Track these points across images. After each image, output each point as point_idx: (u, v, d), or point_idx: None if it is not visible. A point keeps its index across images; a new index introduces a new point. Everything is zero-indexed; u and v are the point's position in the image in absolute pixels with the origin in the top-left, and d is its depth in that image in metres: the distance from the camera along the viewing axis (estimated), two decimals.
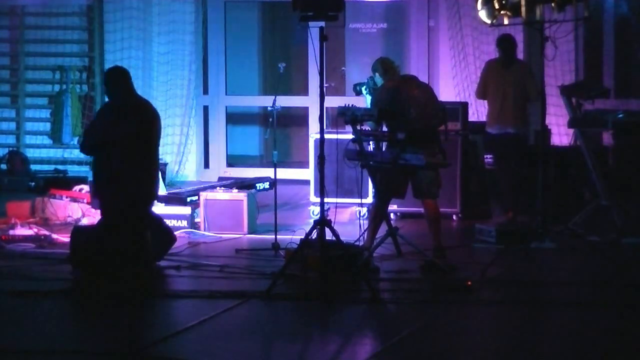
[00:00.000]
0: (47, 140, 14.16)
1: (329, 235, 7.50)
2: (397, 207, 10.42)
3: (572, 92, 10.18)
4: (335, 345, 6.31)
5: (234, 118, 14.82)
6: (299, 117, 14.18)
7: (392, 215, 10.09)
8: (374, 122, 8.53)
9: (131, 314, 7.02)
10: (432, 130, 8.50)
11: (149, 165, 8.24)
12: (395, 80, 8.67)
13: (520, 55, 12.76)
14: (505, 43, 10.65)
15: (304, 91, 13.88)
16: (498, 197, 10.78)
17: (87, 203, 10.30)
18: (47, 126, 14.08)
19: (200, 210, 10.01)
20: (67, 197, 10.51)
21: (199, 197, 10.10)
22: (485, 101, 10.83)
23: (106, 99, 8.53)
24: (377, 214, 8.61)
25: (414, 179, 8.48)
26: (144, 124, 8.18)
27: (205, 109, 14.19)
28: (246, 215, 9.88)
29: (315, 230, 7.56)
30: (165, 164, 13.01)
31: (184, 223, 9.87)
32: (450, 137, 9.69)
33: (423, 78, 13.29)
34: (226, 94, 14.19)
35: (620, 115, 9.71)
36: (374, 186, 9.17)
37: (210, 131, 14.19)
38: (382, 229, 8.67)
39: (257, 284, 7.62)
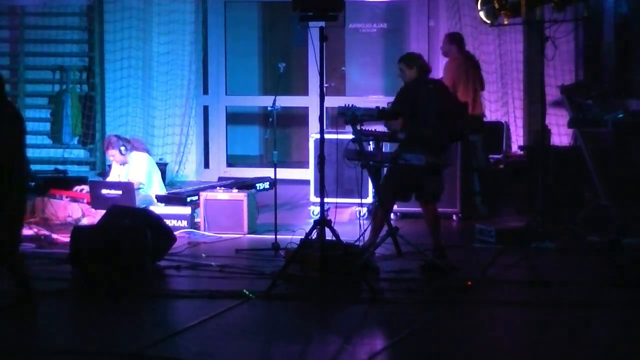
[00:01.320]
0: (47, 140, 14.15)
1: (329, 235, 7.50)
2: (397, 207, 10.42)
3: (572, 92, 10.19)
4: (335, 345, 6.31)
5: (234, 118, 14.82)
6: (299, 117, 14.18)
7: (392, 215, 10.09)
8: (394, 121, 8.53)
9: (131, 314, 7.04)
10: (442, 134, 8.48)
11: (16, 176, 7.20)
12: (415, 81, 8.62)
13: (519, 55, 12.80)
14: (460, 37, 11.01)
15: (304, 91, 13.88)
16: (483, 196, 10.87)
17: (87, 203, 10.30)
18: (47, 126, 14.08)
19: (200, 210, 10.02)
20: (67, 197, 10.51)
21: (199, 197, 10.10)
22: None
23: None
24: (379, 216, 8.60)
25: (421, 185, 8.45)
26: (20, 133, 7.26)
27: (205, 109, 14.20)
28: (246, 215, 9.89)
29: (315, 230, 7.56)
30: (165, 164, 13.01)
31: (184, 223, 9.88)
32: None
33: None
34: (226, 94, 14.19)
35: (620, 115, 9.71)
36: (374, 186, 9.17)
37: (210, 131, 14.19)
38: (382, 229, 8.67)
39: (257, 284, 7.62)
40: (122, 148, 10.37)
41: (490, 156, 11.60)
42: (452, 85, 10.75)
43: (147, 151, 10.80)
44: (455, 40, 11.17)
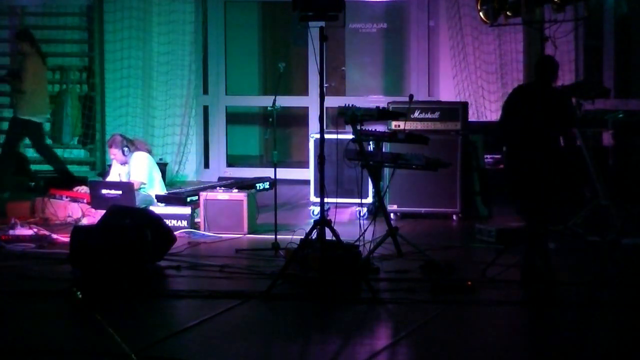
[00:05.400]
0: (47, 141, 14.14)
1: (329, 235, 7.50)
2: (397, 207, 10.42)
3: (572, 92, 10.18)
4: (335, 345, 6.31)
5: (234, 118, 14.83)
6: (299, 117, 14.18)
7: (392, 215, 10.09)
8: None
9: (131, 314, 7.03)
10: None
11: None
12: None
13: (519, 55, 12.81)
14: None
15: (304, 91, 13.89)
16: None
17: (87, 203, 10.30)
18: (47, 126, 14.07)
19: (200, 210, 10.01)
20: (67, 197, 10.51)
21: (199, 197, 10.10)
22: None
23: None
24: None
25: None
26: None
27: (205, 109, 14.20)
28: (246, 215, 9.88)
29: (315, 230, 7.56)
30: (165, 164, 13.01)
31: (184, 223, 9.87)
32: (450, 136, 9.70)
33: (423, 78, 13.37)
34: (226, 94, 14.20)
35: (621, 115, 9.72)
36: (374, 186, 9.17)
37: (210, 131, 14.20)
38: (382, 229, 8.67)
39: (257, 284, 7.62)
40: (125, 149, 10.37)
41: (491, 156, 11.59)
42: None
43: (150, 152, 10.77)
44: None
